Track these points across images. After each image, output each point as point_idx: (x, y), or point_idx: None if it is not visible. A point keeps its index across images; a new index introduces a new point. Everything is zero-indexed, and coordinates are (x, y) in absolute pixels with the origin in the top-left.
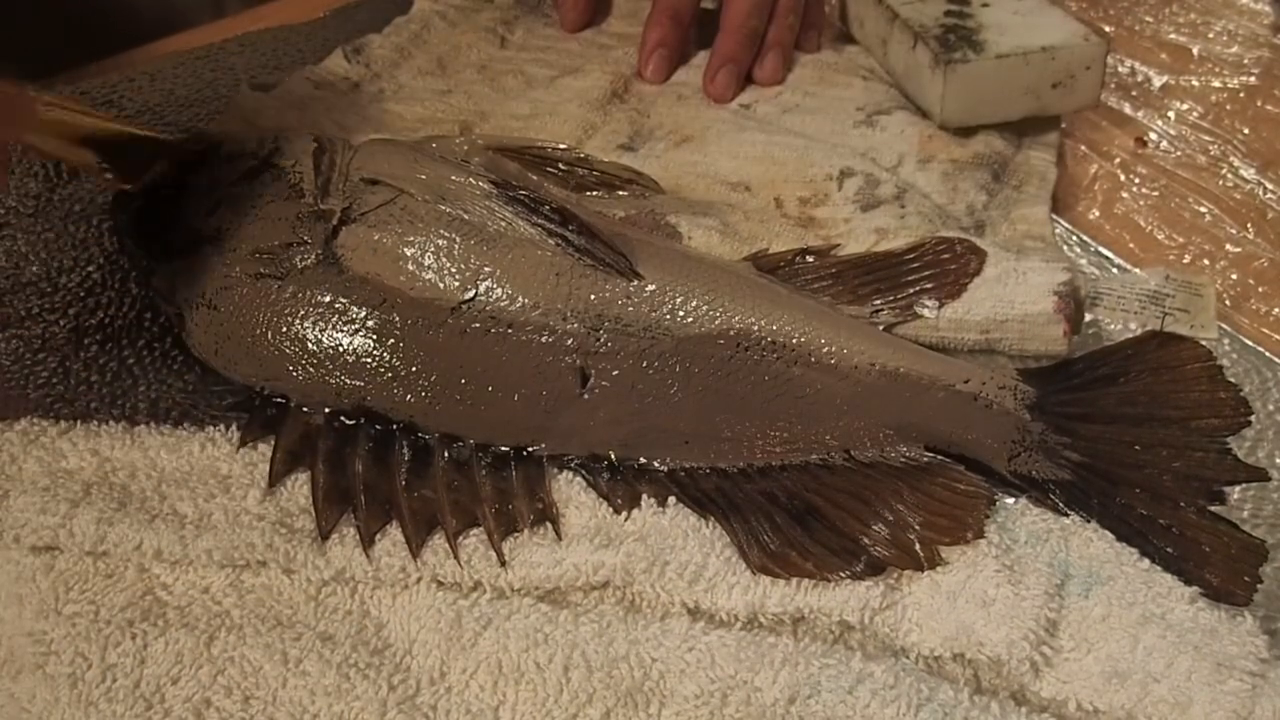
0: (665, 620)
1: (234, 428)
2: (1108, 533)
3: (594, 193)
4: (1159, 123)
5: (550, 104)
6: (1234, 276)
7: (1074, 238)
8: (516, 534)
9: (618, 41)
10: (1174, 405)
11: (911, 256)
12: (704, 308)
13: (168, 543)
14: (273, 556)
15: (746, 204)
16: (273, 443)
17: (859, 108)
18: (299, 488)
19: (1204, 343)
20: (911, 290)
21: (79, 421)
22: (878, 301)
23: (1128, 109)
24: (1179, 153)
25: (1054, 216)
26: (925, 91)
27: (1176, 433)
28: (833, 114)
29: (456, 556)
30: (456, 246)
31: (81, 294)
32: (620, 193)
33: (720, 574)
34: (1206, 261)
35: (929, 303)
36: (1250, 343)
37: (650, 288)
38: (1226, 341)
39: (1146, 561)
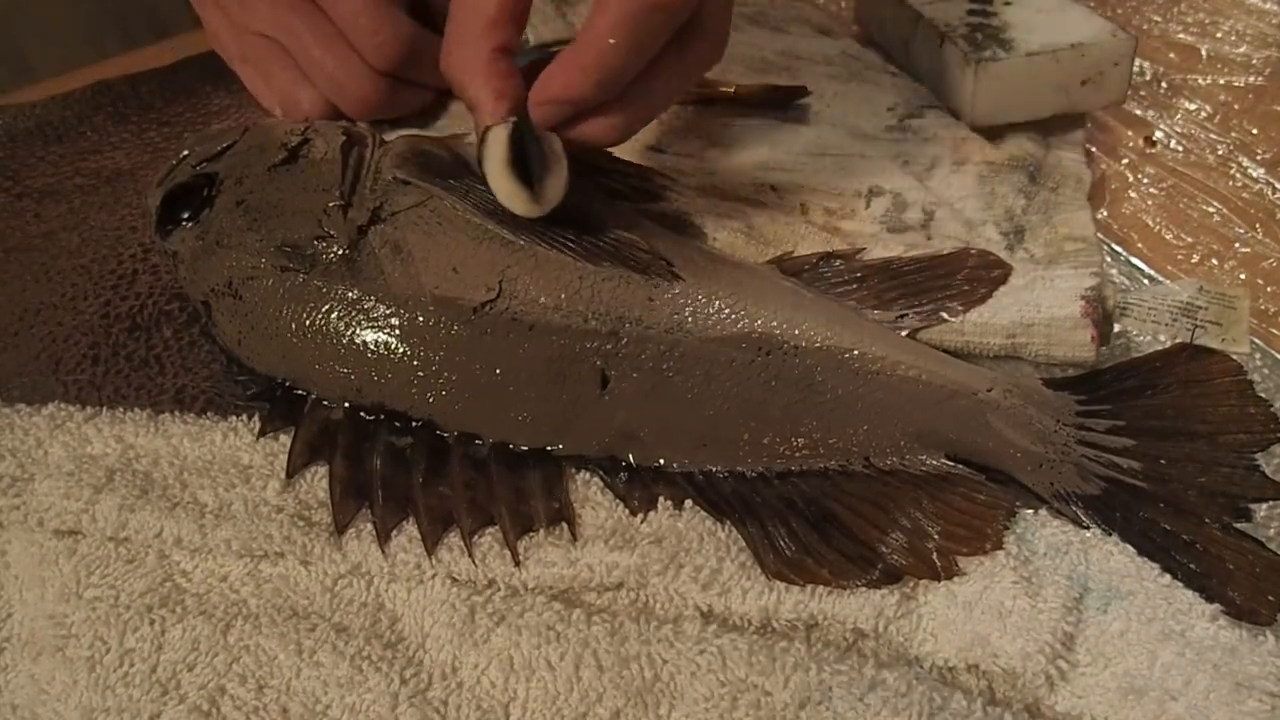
0: (678, 622)
1: (256, 418)
2: (1129, 547)
3: (624, 198)
4: (1167, 122)
5: None
6: (1242, 276)
7: (1105, 247)
8: (532, 533)
9: None
10: (1202, 419)
11: (938, 263)
12: (726, 310)
13: (187, 531)
14: (290, 548)
15: (773, 207)
16: (292, 434)
17: (890, 108)
18: (318, 481)
19: (1235, 357)
20: (937, 296)
21: (105, 408)
22: (903, 307)
23: (1136, 109)
24: (1187, 152)
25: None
26: (954, 91)
27: (1204, 447)
28: (865, 115)
29: (471, 555)
30: (482, 248)
31: (114, 280)
32: (652, 198)
33: (735, 578)
34: (1215, 261)
35: (954, 306)
36: None
37: (673, 289)
38: (1258, 356)
39: (1167, 577)
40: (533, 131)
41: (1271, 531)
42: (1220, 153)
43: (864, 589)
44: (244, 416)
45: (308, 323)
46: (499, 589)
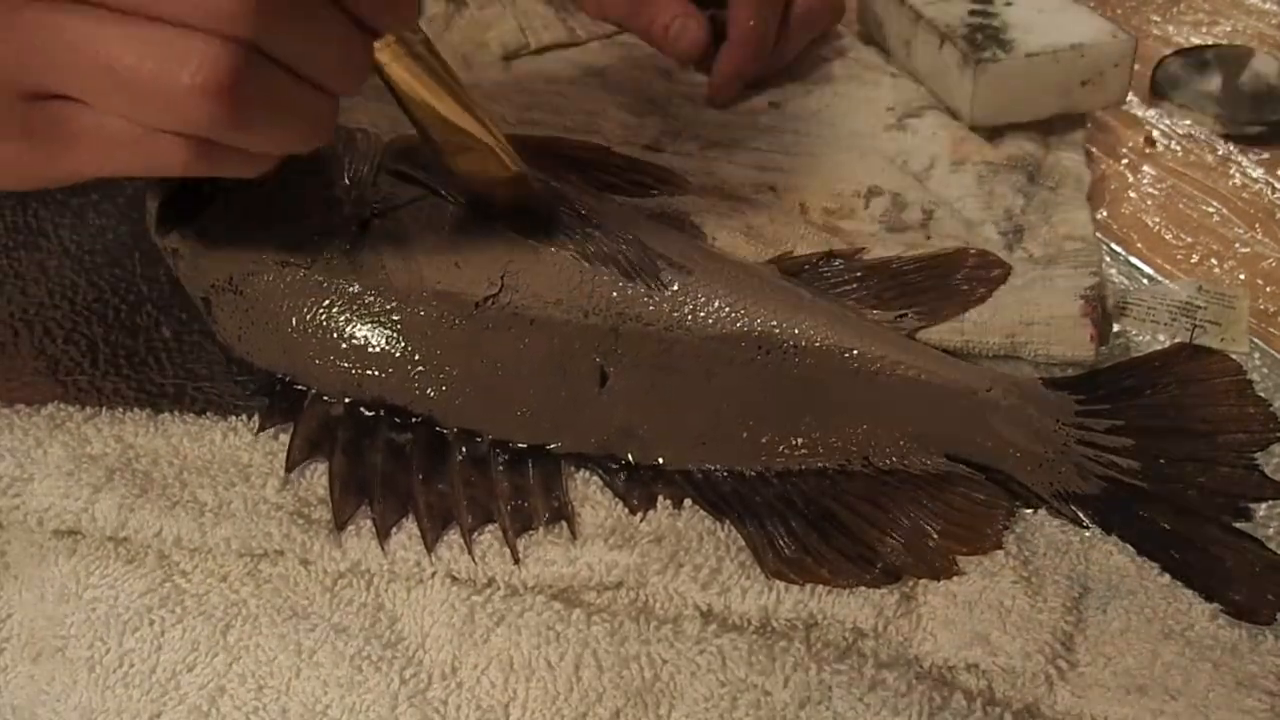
0: (678, 622)
1: (256, 416)
2: (1129, 546)
3: (622, 192)
4: (1166, 123)
5: (575, 103)
6: (1241, 276)
7: (1104, 247)
8: (531, 531)
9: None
10: (1201, 419)
11: (938, 262)
12: (726, 309)
13: (187, 530)
14: (290, 547)
15: (772, 206)
16: (291, 430)
17: (889, 108)
18: (317, 478)
19: (1234, 356)
20: (937, 296)
21: (104, 408)
22: (902, 307)
23: (1136, 109)
24: (1187, 152)
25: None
26: (954, 91)
27: (1203, 447)
28: (863, 115)
29: (471, 553)
30: (481, 243)
31: (114, 280)
32: (650, 192)
33: (734, 577)
34: (1214, 261)
35: (954, 306)
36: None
37: (673, 288)
38: (1257, 355)
39: (1167, 576)
40: None
41: (1271, 531)
42: (1220, 153)
43: (864, 588)
44: (244, 416)
45: (308, 318)
46: (499, 588)
